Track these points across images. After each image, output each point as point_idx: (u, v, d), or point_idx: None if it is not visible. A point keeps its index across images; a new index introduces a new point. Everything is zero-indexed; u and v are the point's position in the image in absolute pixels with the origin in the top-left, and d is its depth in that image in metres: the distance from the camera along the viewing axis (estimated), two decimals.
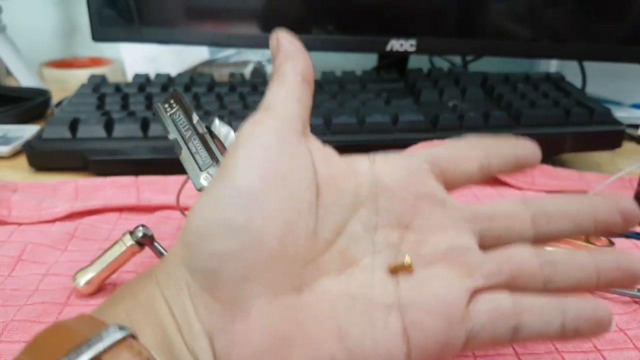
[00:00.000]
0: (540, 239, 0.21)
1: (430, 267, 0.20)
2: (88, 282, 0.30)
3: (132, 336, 0.17)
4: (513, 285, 0.20)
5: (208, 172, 0.25)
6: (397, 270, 0.19)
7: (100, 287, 0.31)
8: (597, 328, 0.20)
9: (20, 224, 0.38)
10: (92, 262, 0.30)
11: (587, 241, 0.37)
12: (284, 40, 0.22)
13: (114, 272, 0.31)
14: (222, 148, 0.26)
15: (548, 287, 0.20)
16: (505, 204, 0.22)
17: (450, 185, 0.22)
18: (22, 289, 0.31)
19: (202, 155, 0.26)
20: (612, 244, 0.36)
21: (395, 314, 0.18)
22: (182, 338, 0.18)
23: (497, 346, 0.20)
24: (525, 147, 0.23)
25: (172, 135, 0.27)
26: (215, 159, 0.25)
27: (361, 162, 0.22)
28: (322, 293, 0.19)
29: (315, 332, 0.18)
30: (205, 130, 0.26)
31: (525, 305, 0.19)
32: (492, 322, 0.19)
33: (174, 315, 0.18)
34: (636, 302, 0.31)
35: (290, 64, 0.22)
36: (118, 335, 0.16)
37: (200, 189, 0.25)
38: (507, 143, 0.23)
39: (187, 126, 0.27)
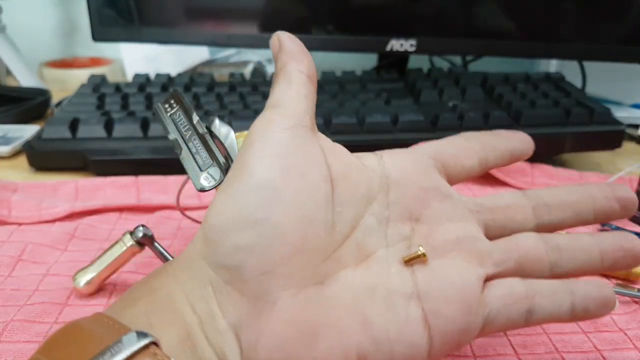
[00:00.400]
0: (541, 229, 0.22)
1: (443, 256, 0.20)
2: (88, 282, 0.30)
3: (154, 343, 0.16)
4: (521, 271, 0.21)
5: (208, 172, 0.25)
6: (412, 260, 0.20)
7: (100, 287, 0.31)
8: (604, 307, 0.21)
9: (20, 224, 0.38)
10: (92, 262, 0.30)
11: None
12: (286, 40, 0.23)
13: (114, 272, 0.31)
14: (222, 148, 0.26)
15: (555, 272, 0.21)
16: (506, 196, 0.23)
17: (452, 179, 0.23)
18: (22, 289, 0.31)
19: (202, 155, 0.26)
20: None
21: (415, 302, 0.19)
22: (205, 335, 0.18)
23: (512, 329, 0.20)
24: (520, 140, 0.24)
25: (172, 135, 0.27)
26: (215, 159, 0.25)
27: (370, 158, 0.22)
28: (344, 285, 0.19)
29: (340, 322, 0.18)
30: (206, 130, 0.26)
31: (536, 289, 0.20)
32: (506, 306, 0.20)
33: (196, 312, 0.18)
34: (636, 302, 0.31)
35: (295, 63, 0.22)
36: (140, 342, 0.15)
37: (200, 190, 0.25)
38: (502, 137, 0.24)
39: (187, 126, 0.27)
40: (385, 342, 0.18)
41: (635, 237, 0.22)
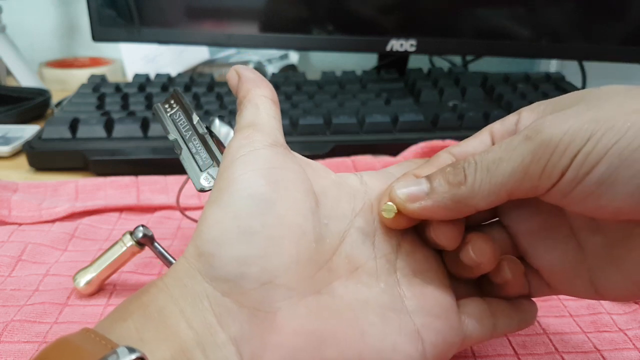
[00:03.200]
0: None
1: (425, 273, 0.22)
2: (88, 283, 0.30)
3: (142, 359, 0.16)
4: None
5: (208, 173, 0.25)
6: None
7: (100, 288, 0.31)
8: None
9: (20, 224, 0.38)
10: (92, 263, 0.30)
11: None
12: (244, 70, 0.24)
13: (114, 272, 0.31)
14: (222, 148, 0.26)
15: None
16: None
17: None
18: (22, 289, 0.31)
19: (202, 155, 0.26)
20: None
21: (406, 317, 0.20)
22: (202, 351, 0.18)
23: (479, 342, 0.23)
24: None
25: (172, 135, 0.27)
26: (215, 160, 0.25)
27: (351, 177, 0.23)
28: (339, 296, 0.19)
29: (341, 331, 0.18)
30: (206, 130, 0.26)
31: (496, 308, 0.23)
32: (479, 322, 0.22)
33: (192, 326, 0.18)
34: (636, 303, 0.31)
35: (257, 89, 0.23)
36: (127, 358, 0.15)
37: (200, 190, 0.25)
38: None
39: (187, 126, 0.26)
40: (383, 353, 0.19)
41: None
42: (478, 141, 0.23)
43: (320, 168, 0.23)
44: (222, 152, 0.26)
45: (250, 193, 0.19)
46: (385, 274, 0.21)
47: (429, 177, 0.21)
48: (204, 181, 0.25)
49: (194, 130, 0.26)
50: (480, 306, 0.23)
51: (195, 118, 0.26)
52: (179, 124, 0.27)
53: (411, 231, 0.22)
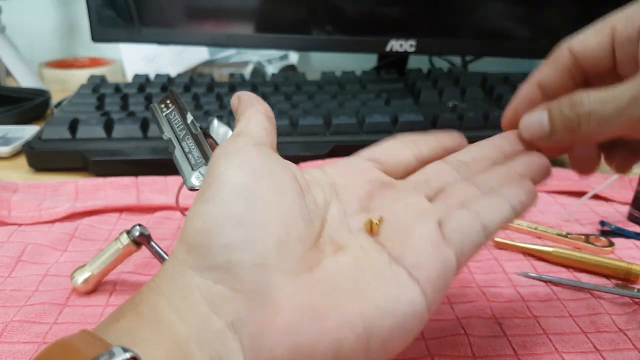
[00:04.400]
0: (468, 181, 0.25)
1: (399, 223, 0.22)
2: (86, 281, 0.30)
3: (135, 358, 0.16)
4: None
5: (200, 172, 0.25)
6: (372, 227, 0.22)
7: (97, 286, 0.31)
8: (533, 196, 0.24)
9: (20, 225, 0.38)
10: (90, 261, 0.31)
11: (587, 241, 0.37)
12: (245, 94, 0.26)
13: (111, 270, 0.31)
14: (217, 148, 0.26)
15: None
16: (432, 167, 0.26)
17: (392, 173, 0.26)
18: (22, 290, 0.31)
19: (195, 154, 0.26)
20: (612, 244, 0.36)
21: (395, 264, 0.20)
22: (197, 342, 0.18)
23: (480, 250, 0.22)
24: (450, 137, 0.28)
25: (167, 134, 0.27)
26: (207, 159, 0.25)
27: (315, 172, 0.25)
28: (331, 269, 0.20)
29: (340, 298, 0.19)
30: (199, 130, 0.26)
31: (478, 209, 0.22)
32: (465, 233, 0.21)
33: (184, 320, 0.18)
34: (636, 303, 0.31)
35: (254, 108, 0.25)
36: (121, 357, 0.16)
37: (191, 188, 0.25)
38: (433, 135, 0.28)
39: (182, 126, 0.27)
40: (385, 305, 0.19)
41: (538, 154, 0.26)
42: (597, 42, 0.25)
43: (296, 167, 0.24)
44: None
45: (234, 183, 0.20)
46: (367, 243, 0.22)
47: (549, 113, 0.25)
48: (195, 180, 0.25)
49: (188, 130, 0.26)
50: (460, 215, 0.22)
51: (190, 118, 0.27)
52: (173, 123, 0.27)
53: (378, 200, 0.24)
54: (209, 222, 0.19)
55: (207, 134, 0.28)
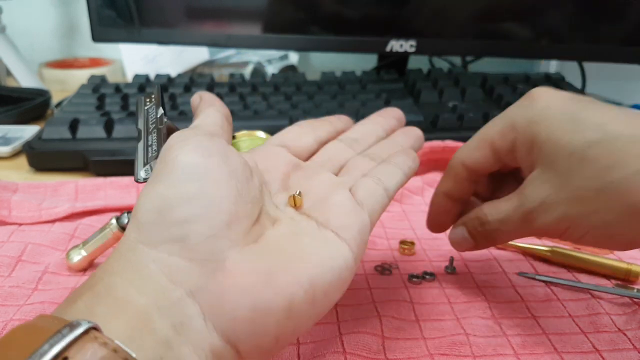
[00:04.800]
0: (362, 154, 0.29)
1: (318, 195, 0.25)
2: (80, 260, 0.33)
3: (95, 328, 0.16)
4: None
5: (150, 165, 0.25)
6: (296, 201, 0.24)
7: (90, 265, 0.34)
8: (418, 145, 0.31)
9: (20, 224, 0.38)
10: (83, 243, 0.33)
11: None
12: (205, 94, 0.28)
13: (102, 252, 0.33)
14: None
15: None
16: (330, 147, 0.30)
17: (298, 155, 0.28)
18: (22, 289, 0.31)
19: (154, 148, 0.26)
20: None
21: (324, 229, 0.23)
22: (157, 312, 0.18)
23: (384, 208, 0.26)
24: (340, 120, 0.32)
25: (140, 126, 0.27)
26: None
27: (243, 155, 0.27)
28: (273, 238, 0.22)
29: (286, 261, 0.21)
30: (164, 125, 0.26)
31: (379, 175, 0.26)
32: (371, 195, 0.25)
33: (144, 293, 0.19)
34: (635, 303, 0.31)
35: (213, 107, 0.27)
36: (80, 329, 0.16)
37: (136, 180, 0.25)
38: (326, 120, 0.31)
39: (154, 120, 0.27)
40: (324, 262, 0.21)
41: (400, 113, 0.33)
42: (482, 156, 0.29)
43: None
44: None
45: (186, 164, 0.21)
46: (295, 215, 0.24)
47: (466, 229, 0.30)
48: (143, 173, 0.25)
49: (156, 125, 0.27)
50: (364, 183, 0.26)
51: (160, 112, 0.27)
52: (150, 117, 0.27)
53: (293, 179, 0.26)
54: (162, 200, 0.20)
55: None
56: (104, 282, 0.19)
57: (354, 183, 0.26)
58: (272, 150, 0.28)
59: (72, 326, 0.16)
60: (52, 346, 0.15)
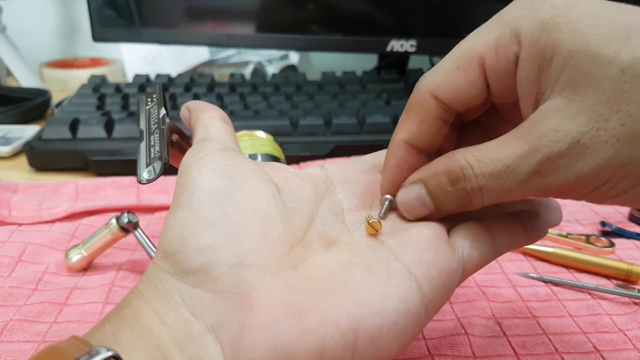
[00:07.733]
0: None
1: (403, 223, 0.22)
2: (79, 260, 0.33)
3: (114, 357, 0.16)
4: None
5: (153, 166, 0.25)
6: (372, 226, 0.21)
7: (89, 265, 0.33)
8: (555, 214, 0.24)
9: (20, 224, 0.38)
10: (83, 243, 0.33)
11: (587, 241, 0.37)
12: (193, 103, 0.26)
13: (101, 252, 0.33)
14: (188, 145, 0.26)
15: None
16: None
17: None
18: (22, 289, 0.31)
19: (156, 149, 0.26)
20: (612, 244, 0.36)
21: (393, 261, 0.19)
22: (177, 346, 0.18)
23: (485, 262, 0.21)
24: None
25: (141, 126, 0.27)
26: (163, 156, 0.25)
27: (313, 168, 0.25)
28: (318, 265, 0.19)
29: (322, 294, 0.18)
30: (166, 125, 0.26)
31: (494, 225, 0.22)
32: (475, 242, 0.21)
33: (165, 323, 0.18)
34: (636, 303, 0.31)
35: (206, 113, 0.25)
36: (98, 358, 0.16)
37: (139, 181, 0.25)
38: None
39: (157, 120, 0.27)
40: (374, 303, 0.17)
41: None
42: (467, 81, 0.20)
43: (279, 165, 0.24)
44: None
45: (206, 189, 0.20)
46: (364, 239, 0.21)
47: (426, 189, 0.21)
48: (146, 173, 0.25)
49: (159, 125, 0.26)
50: (473, 226, 0.21)
51: (162, 112, 0.27)
52: (152, 117, 0.27)
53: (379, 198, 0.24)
54: (183, 228, 0.19)
55: (185, 135, 0.28)
56: (131, 307, 0.19)
57: (455, 223, 0.21)
58: (359, 163, 0.25)
59: (91, 355, 0.16)
60: None
